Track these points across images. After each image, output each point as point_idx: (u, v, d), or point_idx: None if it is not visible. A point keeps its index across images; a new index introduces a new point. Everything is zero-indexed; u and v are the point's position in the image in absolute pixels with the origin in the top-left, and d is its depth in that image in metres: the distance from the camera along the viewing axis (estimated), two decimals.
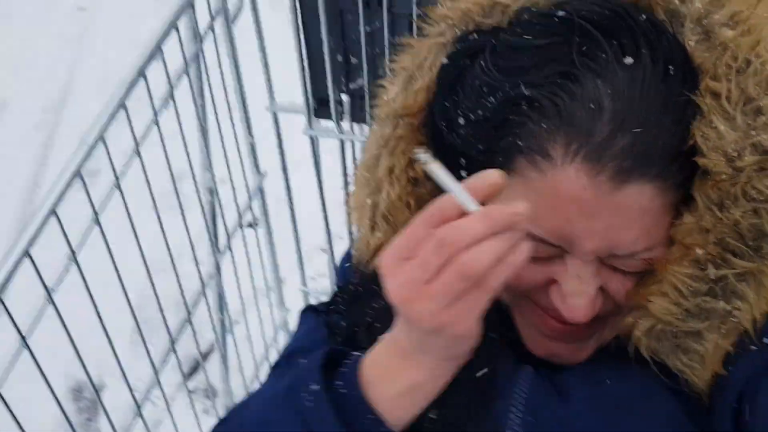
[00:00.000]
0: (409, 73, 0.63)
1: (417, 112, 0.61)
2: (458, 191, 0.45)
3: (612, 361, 0.57)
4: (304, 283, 1.19)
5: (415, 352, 0.50)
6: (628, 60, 0.48)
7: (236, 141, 1.04)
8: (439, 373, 0.51)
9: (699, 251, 0.50)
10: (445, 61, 0.59)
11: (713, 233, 0.49)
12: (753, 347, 0.52)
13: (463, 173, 0.56)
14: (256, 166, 1.09)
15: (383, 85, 0.66)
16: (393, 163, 0.63)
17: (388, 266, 0.47)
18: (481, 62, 0.54)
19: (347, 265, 0.75)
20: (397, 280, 0.46)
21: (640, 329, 0.53)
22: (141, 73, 0.77)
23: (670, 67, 0.49)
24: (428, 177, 0.61)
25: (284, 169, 1.07)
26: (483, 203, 0.45)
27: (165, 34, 0.80)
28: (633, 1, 0.54)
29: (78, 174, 0.70)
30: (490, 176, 0.45)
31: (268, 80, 0.99)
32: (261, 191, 1.11)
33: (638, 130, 0.47)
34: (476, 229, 0.43)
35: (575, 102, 0.48)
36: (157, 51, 0.79)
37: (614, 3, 0.52)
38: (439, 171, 0.46)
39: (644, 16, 0.51)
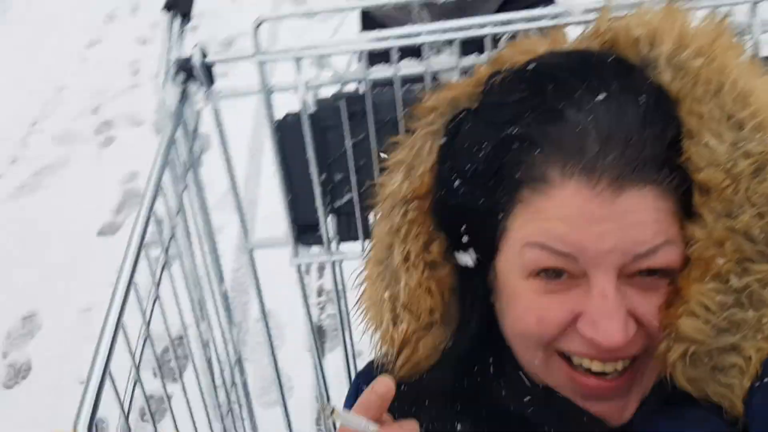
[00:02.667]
0: (408, 163, 0.65)
1: (425, 194, 0.64)
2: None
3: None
4: None
5: None
6: (601, 95, 0.54)
7: (211, 290, 0.96)
8: None
9: (720, 261, 0.53)
10: (443, 140, 0.62)
11: (728, 243, 0.53)
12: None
13: (471, 249, 0.59)
14: (229, 318, 1.00)
15: (380, 184, 0.67)
16: (408, 249, 0.64)
17: None
18: (466, 126, 0.59)
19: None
20: None
21: (674, 354, 0.54)
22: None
23: (640, 97, 0.55)
24: (445, 260, 0.62)
25: (263, 314, 0.99)
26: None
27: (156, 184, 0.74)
28: (604, 49, 0.62)
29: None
30: (378, 388, 0.52)
31: (242, 217, 0.95)
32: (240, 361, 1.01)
33: (623, 145, 0.52)
34: None
35: (563, 129, 0.53)
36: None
37: (581, 51, 0.60)
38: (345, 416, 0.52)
39: (612, 57, 0.59)
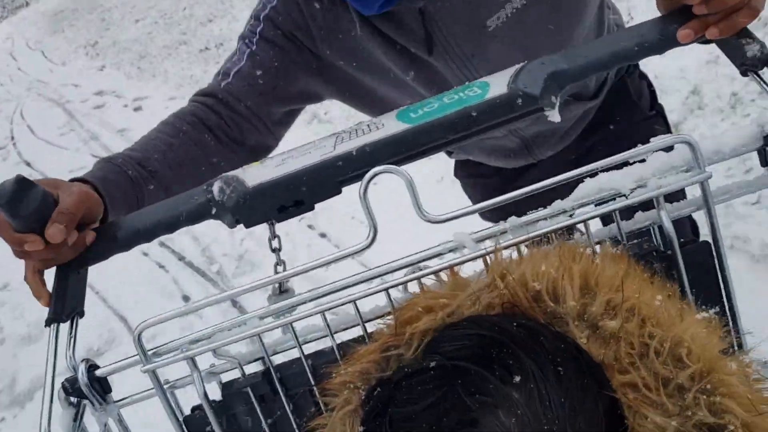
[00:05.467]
0: None
1: None
2: None
3: None
4: None
5: None
6: (516, 379, 0.47)
7: None
8: None
9: None
10: (361, 429, 0.56)
11: None
12: None
13: None
14: None
15: None
16: None
17: None
18: None
19: None
20: None
21: None
22: None
23: (560, 368, 0.48)
24: None
25: None
26: None
27: None
28: (507, 312, 0.55)
29: None
30: None
31: None
32: None
33: None
34: None
35: None
36: None
37: (482, 325, 0.53)
38: None
39: (515, 324, 0.52)
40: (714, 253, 0.75)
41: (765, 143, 0.71)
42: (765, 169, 0.74)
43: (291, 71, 1.13)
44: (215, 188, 0.82)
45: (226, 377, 0.81)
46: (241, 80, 1.11)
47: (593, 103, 1.34)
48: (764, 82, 0.76)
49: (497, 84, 0.80)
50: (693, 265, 0.74)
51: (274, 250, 0.78)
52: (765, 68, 0.78)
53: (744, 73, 0.78)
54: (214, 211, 0.82)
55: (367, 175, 0.71)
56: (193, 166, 1.07)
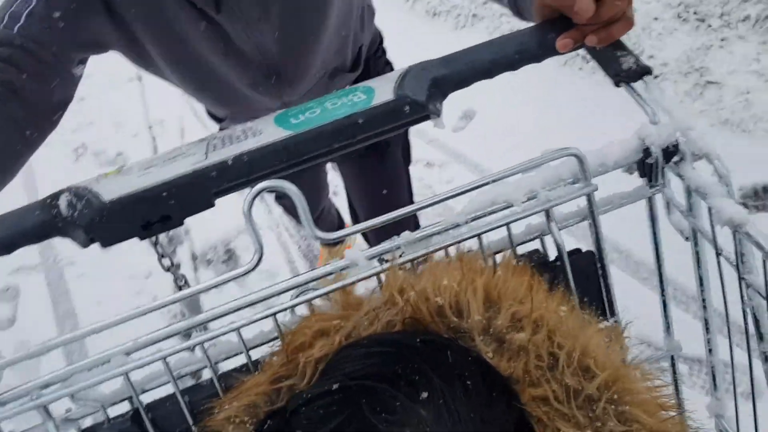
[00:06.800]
0: None
1: None
2: None
3: None
4: None
5: None
6: (424, 395, 0.44)
7: None
8: None
9: None
10: None
11: None
12: None
13: None
14: None
15: None
16: None
17: None
18: None
19: None
20: None
21: None
22: None
23: (468, 382, 0.46)
24: None
25: None
26: None
27: None
28: (408, 329, 0.53)
29: None
30: None
31: None
32: None
33: None
34: None
35: None
36: None
37: (385, 343, 0.49)
38: None
39: (419, 340, 0.49)
40: (597, 263, 0.76)
41: (645, 156, 0.73)
42: (644, 180, 0.76)
43: (86, 14, 1.01)
44: (62, 203, 0.70)
45: (87, 422, 0.71)
46: (38, 23, 0.93)
47: (354, 75, 1.48)
48: (638, 94, 0.79)
49: (383, 90, 0.76)
50: (577, 275, 0.75)
51: (168, 269, 0.69)
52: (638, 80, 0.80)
53: (617, 84, 0.81)
54: (61, 228, 0.71)
55: (254, 190, 0.64)
56: (11, 150, 0.89)
